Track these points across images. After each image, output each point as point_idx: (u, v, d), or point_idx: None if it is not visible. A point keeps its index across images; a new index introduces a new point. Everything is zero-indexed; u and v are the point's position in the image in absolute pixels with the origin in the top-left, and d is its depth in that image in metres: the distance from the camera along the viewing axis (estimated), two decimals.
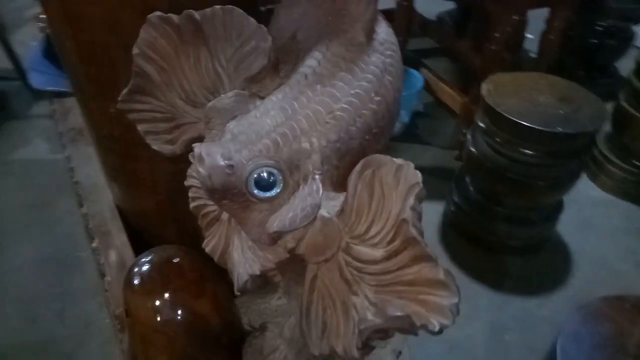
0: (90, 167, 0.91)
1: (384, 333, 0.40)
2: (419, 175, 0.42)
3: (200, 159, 0.45)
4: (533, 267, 1.36)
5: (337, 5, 0.54)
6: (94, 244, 0.83)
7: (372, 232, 0.43)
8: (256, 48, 0.53)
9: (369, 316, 0.40)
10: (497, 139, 1.24)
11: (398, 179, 0.43)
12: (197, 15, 0.51)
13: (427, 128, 1.86)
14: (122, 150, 0.78)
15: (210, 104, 0.52)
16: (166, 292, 0.61)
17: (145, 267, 0.63)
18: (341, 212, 0.45)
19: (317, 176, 0.45)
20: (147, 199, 0.84)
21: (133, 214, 0.89)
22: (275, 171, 0.45)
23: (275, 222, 0.44)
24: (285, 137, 0.45)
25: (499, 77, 1.31)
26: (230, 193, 0.45)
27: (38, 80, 1.12)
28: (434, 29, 2.02)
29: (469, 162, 1.37)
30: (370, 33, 0.52)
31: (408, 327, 0.38)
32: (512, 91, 1.25)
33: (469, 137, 1.35)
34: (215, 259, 0.52)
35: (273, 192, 0.45)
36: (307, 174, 0.46)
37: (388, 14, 1.84)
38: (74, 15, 0.65)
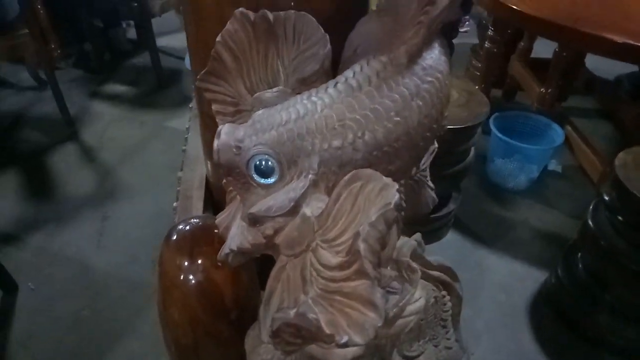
0: (199, 141, 1.03)
1: (294, 329, 0.40)
2: (395, 197, 0.42)
3: (219, 135, 0.50)
4: None
5: (396, 26, 0.55)
6: (175, 204, 0.95)
7: (340, 240, 0.44)
8: (316, 54, 0.56)
9: (288, 310, 0.40)
10: (620, 218, 1.09)
11: (381, 197, 0.43)
12: (270, 15, 0.56)
13: (557, 190, 1.69)
14: (214, 128, 0.87)
15: (256, 94, 0.58)
16: (192, 253, 0.67)
17: (185, 227, 0.71)
18: (320, 214, 0.46)
19: (310, 175, 0.47)
20: None
21: (217, 188, 0.99)
22: (274, 161, 0.48)
23: (255, 206, 0.47)
24: (291, 132, 0.48)
25: None
26: (234, 172, 0.50)
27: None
28: (598, 88, 1.83)
29: (583, 236, 1.22)
30: (413, 56, 0.52)
31: (315, 330, 0.38)
32: None
33: (590, 208, 1.21)
34: (220, 231, 0.57)
35: (269, 180, 0.49)
36: (302, 172, 0.48)
37: (545, 64, 1.73)
38: (197, 3, 0.76)
